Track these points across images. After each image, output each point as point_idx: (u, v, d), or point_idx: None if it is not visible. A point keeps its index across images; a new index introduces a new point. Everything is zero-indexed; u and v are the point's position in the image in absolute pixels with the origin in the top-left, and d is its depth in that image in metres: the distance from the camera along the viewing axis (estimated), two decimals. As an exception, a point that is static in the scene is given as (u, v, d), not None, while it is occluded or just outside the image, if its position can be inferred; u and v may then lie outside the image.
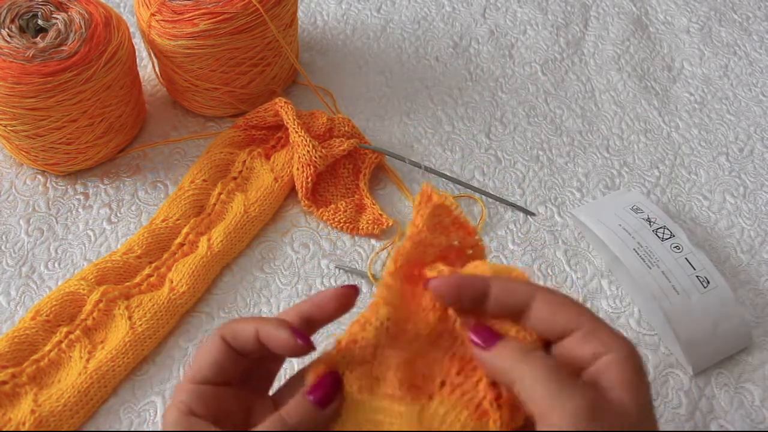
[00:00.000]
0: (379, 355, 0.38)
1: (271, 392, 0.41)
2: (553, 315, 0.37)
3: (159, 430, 0.52)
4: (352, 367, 0.37)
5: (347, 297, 0.39)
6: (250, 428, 0.37)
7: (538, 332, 0.37)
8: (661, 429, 0.43)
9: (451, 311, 0.38)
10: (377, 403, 0.37)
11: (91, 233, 0.62)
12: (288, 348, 0.37)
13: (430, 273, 0.39)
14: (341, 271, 0.60)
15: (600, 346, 0.36)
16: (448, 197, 0.40)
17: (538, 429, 0.34)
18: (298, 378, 0.40)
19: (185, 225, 0.61)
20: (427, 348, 0.38)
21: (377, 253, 0.61)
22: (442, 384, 0.38)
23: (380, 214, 0.63)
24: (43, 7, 0.61)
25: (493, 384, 0.37)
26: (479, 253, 0.42)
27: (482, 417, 0.36)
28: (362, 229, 0.62)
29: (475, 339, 0.37)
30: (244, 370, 0.39)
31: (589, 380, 0.36)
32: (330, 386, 0.36)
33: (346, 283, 0.58)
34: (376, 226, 0.62)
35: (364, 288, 0.59)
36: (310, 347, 0.37)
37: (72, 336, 0.54)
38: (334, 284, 0.60)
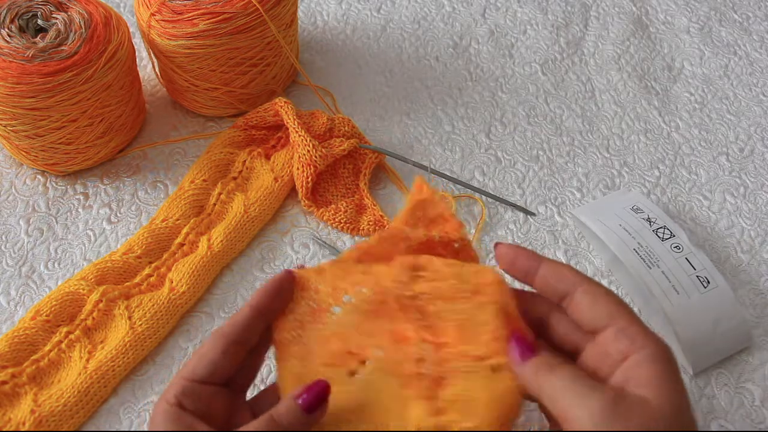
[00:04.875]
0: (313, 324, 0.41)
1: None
2: (592, 307, 0.38)
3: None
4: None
5: (285, 281, 0.41)
6: (230, 428, 0.39)
7: (576, 320, 0.39)
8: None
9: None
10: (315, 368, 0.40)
11: (90, 233, 0.62)
12: (283, 278, 0.41)
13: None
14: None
15: (631, 345, 0.36)
16: (437, 192, 0.42)
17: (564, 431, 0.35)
18: (271, 389, 0.42)
19: (185, 225, 0.61)
20: (364, 321, 0.40)
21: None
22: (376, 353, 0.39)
23: (381, 216, 0.63)
24: (43, 7, 0.61)
25: (420, 359, 0.39)
26: (467, 248, 0.43)
27: (407, 386, 0.39)
28: (363, 229, 0.62)
29: (514, 350, 0.38)
30: (233, 372, 0.41)
31: (620, 381, 0.36)
32: (317, 393, 0.38)
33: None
34: (377, 227, 0.62)
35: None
36: (291, 271, 0.41)
37: (72, 336, 0.54)
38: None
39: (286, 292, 0.41)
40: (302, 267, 0.42)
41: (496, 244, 0.42)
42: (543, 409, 0.41)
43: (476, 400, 0.38)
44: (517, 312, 0.40)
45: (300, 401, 0.38)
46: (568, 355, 0.40)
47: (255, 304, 0.40)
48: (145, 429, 0.52)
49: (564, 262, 0.61)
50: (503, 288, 0.40)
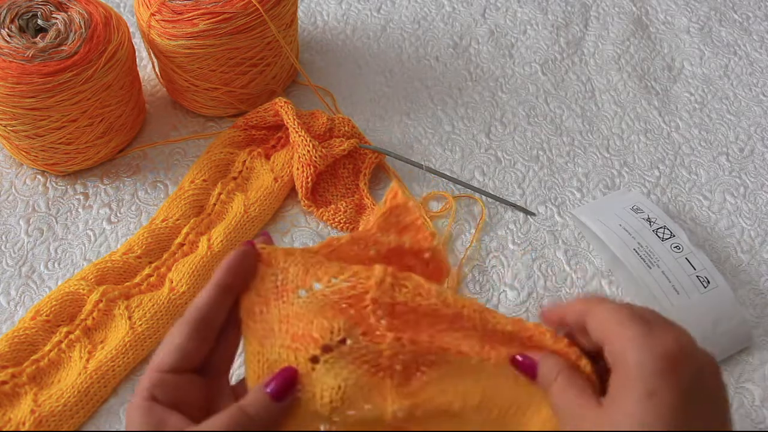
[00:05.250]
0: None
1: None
2: (593, 330, 0.39)
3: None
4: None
5: (248, 256, 0.39)
6: (212, 413, 0.38)
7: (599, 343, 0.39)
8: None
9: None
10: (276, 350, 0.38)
11: (90, 233, 0.62)
12: (246, 253, 0.39)
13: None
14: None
15: (612, 361, 0.37)
16: (412, 199, 0.41)
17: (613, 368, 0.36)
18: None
19: (185, 225, 0.61)
20: (332, 310, 0.39)
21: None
22: (343, 341, 0.38)
23: (380, 215, 0.63)
24: (43, 7, 0.61)
25: (394, 354, 0.38)
26: (437, 259, 0.42)
27: (376, 375, 0.38)
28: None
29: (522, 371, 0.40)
30: (205, 356, 0.40)
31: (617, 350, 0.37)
32: (286, 381, 0.37)
33: None
34: (376, 226, 0.62)
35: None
36: (253, 244, 0.40)
37: (72, 336, 0.54)
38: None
39: (250, 267, 0.39)
40: (268, 238, 0.41)
41: (543, 312, 0.42)
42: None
43: (457, 385, 0.38)
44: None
45: (268, 390, 0.37)
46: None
47: (217, 282, 0.39)
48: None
49: (564, 262, 0.62)
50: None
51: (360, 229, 0.42)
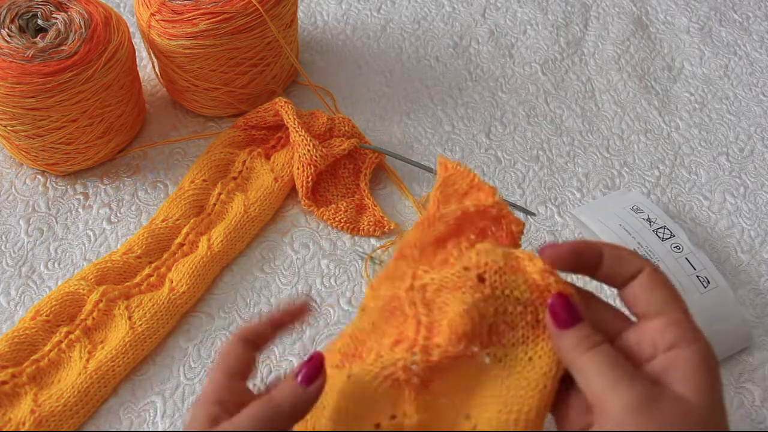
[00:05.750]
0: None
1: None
2: (650, 293, 0.37)
3: (160, 429, 0.52)
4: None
5: (303, 309, 0.43)
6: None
7: (629, 305, 0.38)
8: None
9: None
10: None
11: (90, 233, 0.62)
12: (303, 308, 0.43)
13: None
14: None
15: (678, 339, 0.36)
16: (461, 164, 0.41)
17: (596, 420, 0.35)
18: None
19: (185, 225, 0.61)
20: (379, 321, 0.40)
21: (375, 251, 0.61)
22: (377, 355, 0.39)
23: (382, 217, 0.63)
24: (43, 7, 0.61)
25: (406, 369, 0.38)
26: (504, 211, 0.41)
27: (395, 387, 0.38)
28: (363, 230, 0.62)
29: (553, 315, 0.37)
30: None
31: (657, 370, 0.36)
32: (313, 366, 0.38)
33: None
34: (377, 229, 0.62)
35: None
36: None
37: (72, 336, 0.54)
38: (334, 284, 0.60)
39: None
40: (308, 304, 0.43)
41: (542, 248, 0.39)
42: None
43: (468, 391, 0.38)
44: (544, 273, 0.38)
45: (298, 378, 0.38)
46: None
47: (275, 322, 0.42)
48: (145, 429, 0.52)
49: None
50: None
51: (424, 205, 0.42)
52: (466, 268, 0.38)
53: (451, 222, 0.41)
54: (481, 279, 0.38)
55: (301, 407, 0.38)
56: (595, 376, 0.35)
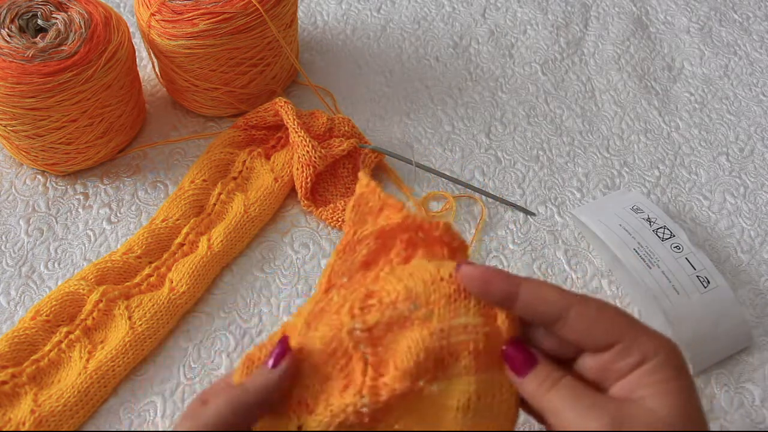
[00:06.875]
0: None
1: None
2: (591, 330, 0.36)
3: (160, 429, 0.52)
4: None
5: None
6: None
7: (577, 344, 0.37)
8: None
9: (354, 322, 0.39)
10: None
11: (90, 233, 0.62)
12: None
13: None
14: None
15: (639, 357, 0.36)
16: (370, 182, 0.41)
17: None
18: None
19: (185, 225, 0.61)
20: (320, 365, 0.40)
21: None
22: (326, 404, 0.39)
23: (380, 214, 0.63)
24: (43, 7, 0.61)
25: (358, 413, 0.38)
26: (417, 222, 0.40)
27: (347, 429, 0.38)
28: (362, 229, 0.62)
29: (510, 364, 0.37)
30: None
31: (626, 389, 0.36)
32: (281, 348, 0.39)
33: None
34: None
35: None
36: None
37: (72, 336, 0.54)
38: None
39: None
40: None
41: (458, 265, 0.38)
42: (541, 420, 0.40)
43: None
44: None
45: (269, 362, 0.39)
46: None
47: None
48: (145, 429, 0.52)
49: (564, 262, 0.62)
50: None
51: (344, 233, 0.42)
52: (414, 304, 0.38)
53: (371, 243, 0.41)
54: (428, 315, 0.38)
55: (267, 388, 0.38)
56: (564, 411, 0.35)
